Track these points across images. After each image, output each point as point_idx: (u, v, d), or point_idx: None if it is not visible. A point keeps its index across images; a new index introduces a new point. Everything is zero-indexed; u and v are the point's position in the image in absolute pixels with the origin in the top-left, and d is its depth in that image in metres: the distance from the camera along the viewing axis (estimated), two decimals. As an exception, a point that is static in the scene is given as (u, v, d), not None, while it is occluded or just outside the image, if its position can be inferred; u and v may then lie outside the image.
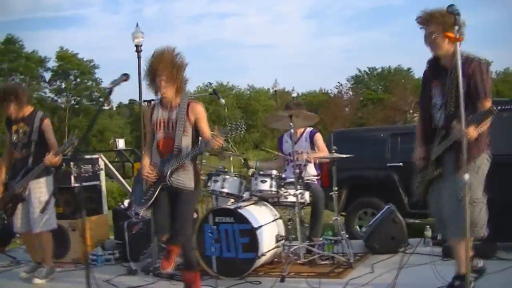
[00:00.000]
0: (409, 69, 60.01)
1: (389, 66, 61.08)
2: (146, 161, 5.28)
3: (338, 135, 10.17)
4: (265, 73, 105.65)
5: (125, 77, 4.20)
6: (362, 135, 10.63)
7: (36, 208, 6.04)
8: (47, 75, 59.06)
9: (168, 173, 5.06)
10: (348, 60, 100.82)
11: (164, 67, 4.97)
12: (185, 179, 5.12)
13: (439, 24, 4.38)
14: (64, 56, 57.29)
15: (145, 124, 5.53)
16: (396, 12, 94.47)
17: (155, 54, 5.09)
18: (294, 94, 54.77)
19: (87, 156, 7.91)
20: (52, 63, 58.35)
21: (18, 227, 6.29)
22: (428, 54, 4.66)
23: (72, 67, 57.58)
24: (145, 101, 6.67)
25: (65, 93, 58.44)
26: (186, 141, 5.10)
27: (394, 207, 6.88)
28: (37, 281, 6.16)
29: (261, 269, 6.05)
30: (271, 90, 54.41)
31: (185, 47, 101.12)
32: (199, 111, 5.14)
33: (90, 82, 58.32)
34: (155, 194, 5.15)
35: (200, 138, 5.18)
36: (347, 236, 6.36)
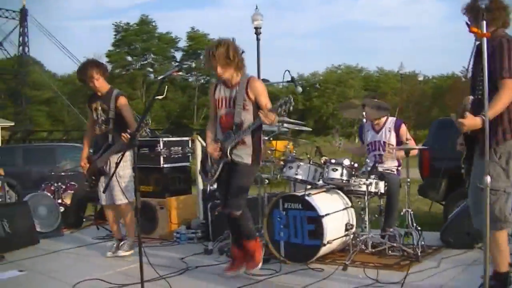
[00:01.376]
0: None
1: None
2: (210, 137, 5.64)
3: (440, 124, 9.97)
4: (396, 55, 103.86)
5: (177, 68, 4.42)
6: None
7: (115, 182, 6.43)
8: (178, 55, 61.12)
9: (228, 149, 5.39)
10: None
11: (219, 55, 5.25)
12: (243, 154, 5.43)
13: (472, 12, 4.25)
14: (194, 36, 59.12)
15: (209, 101, 5.82)
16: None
17: (211, 45, 5.44)
18: (421, 78, 53.63)
19: (177, 138, 8.26)
20: (183, 43, 60.32)
21: (103, 199, 6.72)
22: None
23: (202, 47, 59.13)
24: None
25: (194, 73, 60.22)
26: (247, 117, 5.39)
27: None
28: (121, 253, 6.61)
29: (330, 256, 6.13)
30: (400, 73, 53.24)
31: (317, 28, 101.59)
32: (258, 87, 5.41)
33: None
34: (219, 170, 5.50)
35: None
36: (419, 228, 6.26)
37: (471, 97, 4.22)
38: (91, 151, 6.99)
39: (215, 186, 6.27)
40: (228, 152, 5.40)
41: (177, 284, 5.23)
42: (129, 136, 6.08)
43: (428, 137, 9.96)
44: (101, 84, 6.62)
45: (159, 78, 4.81)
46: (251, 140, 5.45)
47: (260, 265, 5.52)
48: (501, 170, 4.13)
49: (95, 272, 5.82)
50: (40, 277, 5.89)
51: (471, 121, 3.96)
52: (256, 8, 21.82)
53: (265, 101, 5.36)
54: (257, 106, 5.39)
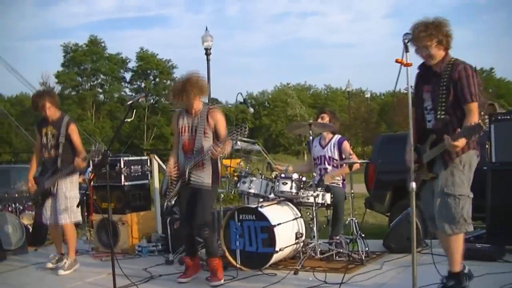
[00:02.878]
0: (491, 69, 58.62)
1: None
2: (171, 160, 6.24)
3: (386, 139, 10.54)
4: (343, 72, 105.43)
5: (144, 95, 4.94)
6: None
7: (61, 202, 6.86)
8: (128, 76, 61.14)
9: (187, 170, 6.00)
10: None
11: (192, 90, 5.91)
12: (203, 176, 6.04)
13: (432, 37, 4.64)
14: (144, 57, 59.25)
15: (172, 129, 6.46)
16: (480, 10, 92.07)
17: (182, 80, 6.01)
18: (368, 95, 55.08)
19: (137, 158, 8.74)
20: (132, 64, 60.37)
21: (46, 218, 7.08)
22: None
23: (151, 67, 59.45)
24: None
25: (144, 93, 60.28)
26: (206, 143, 6.00)
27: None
28: (61, 272, 6.87)
29: (282, 262, 6.68)
30: (347, 90, 54.32)
31: (265, 46, 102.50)
32: (218, 117, 6.08)
33: (168, 82, 59.87)
34: (176, 189, 6.13)
35: None
36: (363, 235, 6.85)
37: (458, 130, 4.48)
38: (39, 169, 7.34)
39: (172, 202, 6.76)
40: (187, 172, 6.01)
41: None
42: (80, 161, 6.67)
43: (373, 152, 10.55)
44: (52, 112, 7.02)
45: (127, 103, 5.30)
46: (210, 163, 6.05)
47: (222, 281, 6.04)
48: (464, 177, 4.64)
49: (65, 284, 6.24)
50: (14, 290, 6.27)
51: (462, 143, 4.40)
52: (206, 29, 22.32)
53: (222, 130, 6.03)
54: (216, 133, 6.03)
